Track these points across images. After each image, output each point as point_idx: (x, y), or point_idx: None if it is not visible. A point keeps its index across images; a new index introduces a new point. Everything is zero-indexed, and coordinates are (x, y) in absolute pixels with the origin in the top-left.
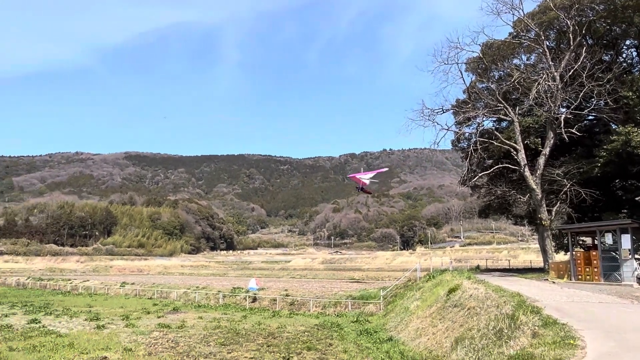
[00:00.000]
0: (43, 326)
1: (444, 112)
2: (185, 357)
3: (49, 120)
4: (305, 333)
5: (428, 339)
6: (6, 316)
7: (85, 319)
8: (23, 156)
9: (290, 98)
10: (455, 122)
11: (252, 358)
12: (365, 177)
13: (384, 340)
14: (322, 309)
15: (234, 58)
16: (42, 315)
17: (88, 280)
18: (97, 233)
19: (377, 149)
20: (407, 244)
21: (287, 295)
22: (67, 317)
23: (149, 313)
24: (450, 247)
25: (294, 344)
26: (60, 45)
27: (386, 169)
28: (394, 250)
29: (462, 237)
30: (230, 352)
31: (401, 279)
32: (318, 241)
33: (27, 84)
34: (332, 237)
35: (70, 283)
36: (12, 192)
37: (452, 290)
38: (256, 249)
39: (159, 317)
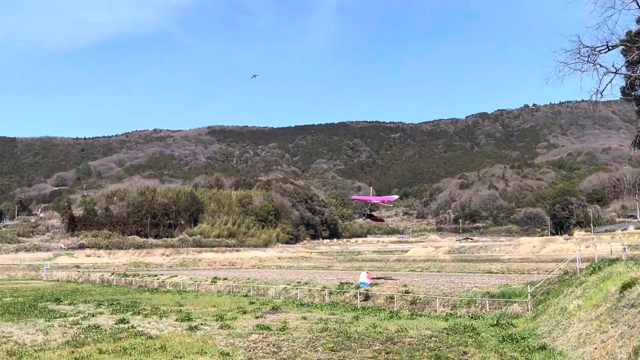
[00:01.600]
0: (132, 327)
1: (609, 50)
2: None
3: (124, 96)
4: (432, 338)
5: (595, 348)
6: (93, 316)
7: (176, 319)
8: (98, 137)
9: (402, 50)
10: (627, 62)
11: None
12: (375, 201)
13: (535, 349)
14: (451, 309)
15: (331, 2)
16: (130, 315)
17: (176, 276)
18: (182, 222)
19: (516, 106)
20: (560, 227)
21: (406, 292)
22: (156, 317)
23: (245, 313)
24: (622, 230)
25: (418, 352)
26: (136, 7)
27: (396, 197)
28: (542, 236)
29: (638, 217)
30: (341, 359)
31: (554, 272)
32: (442, 225)
33: (96, 55)
34: (460, 221)
35: (157, 279)
36: (90, 178)
37: (627, 286)
38: (365, 236)
39: (256, 317)
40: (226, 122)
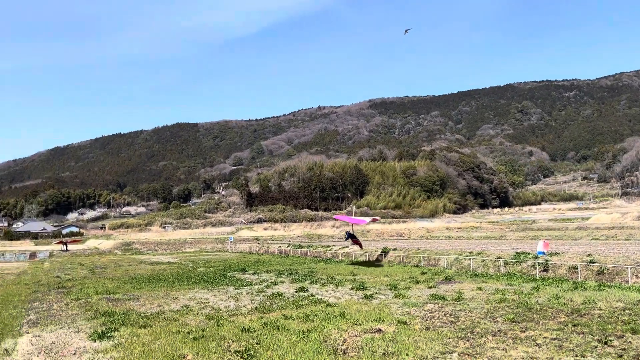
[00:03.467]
0: (311, 295)
1: None
2: (469, 334)
3: (290, 77)
4: (626, 311)
5: None
6: (275, 284)
7: (351, 288)
8: (268, 118)
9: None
10: None
11: (554, 339)
12: (367, 220)
13: None
14: None
15: None
16: (308, 284)
17: (347, 247)
18: (349, 194)
19: None
20: None
21: (591, 261)
22: (332, 285)
23: (417, 282)
24: None
25: (610, 325)
26: None
27: (378, 218)
28: None
29: None
30: (524, 331)
31: None
32: (628, 189)
33: (264, 40)
34: None
35: (330, 250)
36: (263, 157)
37: None
38: (539, 203)
39: (430, 287)
40: (387, 94)
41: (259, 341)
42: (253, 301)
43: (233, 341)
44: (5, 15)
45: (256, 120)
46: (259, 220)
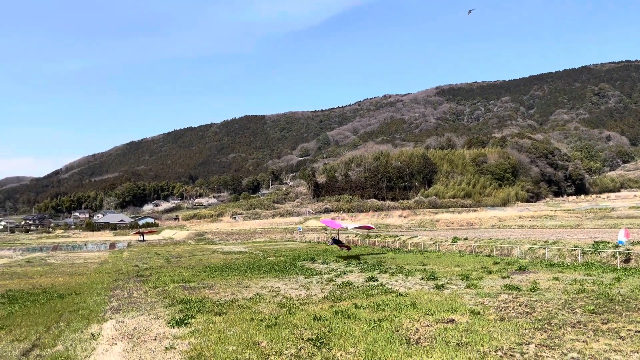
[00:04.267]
0: (381, 284)
1: None
2: (546, 325)
3: (355, 66)
4: None
5: None
6: (344, 273)
7: (422, 278)
8: (334, 108)
9: None
10: None
11: (639, 331)
12: (346, 225)
13: None
14: None
15: None
16: (378, 274)
17: (416, 237)
18: (416, 184)
19: None
20: None
21: None
22: (402, 275)
23: (490, 272)
24: None
25: None
26: None
27: (372, 226)
28: None
29: None
30: (605, 323)
31: None
32: None
33: (327, 30)
34: None
35: (398, 239)
36: (329, 147)
37: None
38: (618, 190)
39: (503, 277)
40: (454, 81)
41: (331, 329)
42: (323, 290)
43: (305, 329)
44: (83, 16)
45: (322, 111)
46: (326, 210)
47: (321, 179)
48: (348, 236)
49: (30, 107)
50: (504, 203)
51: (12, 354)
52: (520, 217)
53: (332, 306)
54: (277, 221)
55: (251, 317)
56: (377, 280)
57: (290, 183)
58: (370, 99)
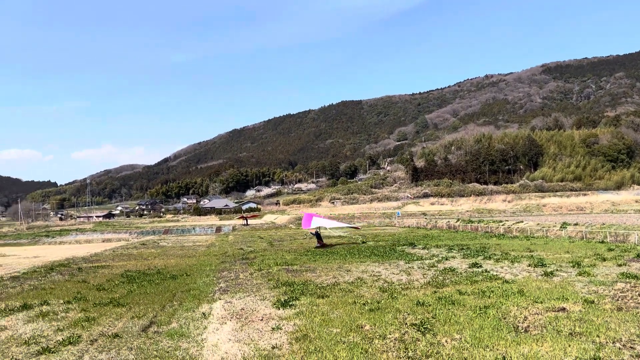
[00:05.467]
0: (485, 271)
1: None
2: None
3: (454, 47)
4: None
5: None
6: (446, 259)
7: (529, 265)
8: (432, 90)
9: None
10: None
11: None
12: (318, 224)
13: None
14: None
15: None
16: (481, 260)
17: (521, 222)
18: (521, 167)
19: None
20: None
21: None
22: (507, 262)
23: (604, 260)
24: None
25: None
26: None
27: (355, 225)
28: None
29: None
30: None
31: None
32: None
33: (422, 11)
34: None
35: (502, 225)
36: (427, 131)
37: None
38: None
39: (619, 265)
40: (562, 57)
41: (435, 315)
42: (425, 275)
43: (408, 314)
44: (183, 12)
45: (419, 93)
46: (425, 195)
47: (419, 163)
48: (449, 221)
49: (141, 99)
50: (618, 186)
51: (133, 330)
52: (636, 201)
53: (435, 292)
54: (375, 206)
55: (353, 301)
56: (481, 266)
57: (388, 168)
58: (471, 79)
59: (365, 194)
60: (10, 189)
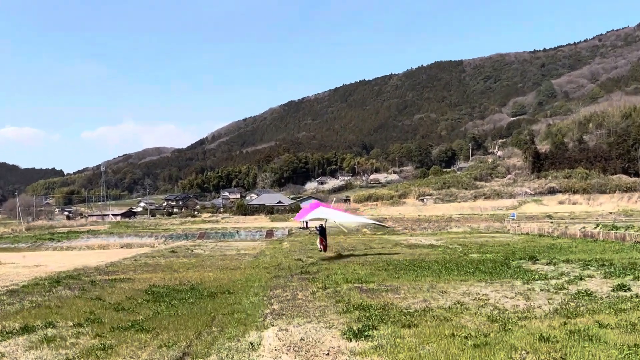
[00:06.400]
0: (636, 295)
1: None
2: None
3: None
4: None
5: None
6: (581, 279)
7: None
8: (561, 46)
9: None
10: None
11: None
12: (311, 216)
13: None
14: None
15: None
16: (630, 280)
17: None
18: None
19: None
20: None
21: None
22: None
23: None
24: None
25: None
26: None
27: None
28: None
29: None
30: None
31: None
32: None
33: None
34: None
35: None
36: (554, 102)
37: None
38: None
39: None
40: None
41: (565, 355)
42: (551, 301)
43: (528, 352)
44: None
45: (544, 50)
46: (551, 191)
47: (543, 146)
48: (584, 226)
49: (171, 62)
50: None
51: None
52: None
53: (565, 323)
54: (480, 205)
55: (451, 333)
56: (629, 289)
57: (499, 153)
58: (617, 30)
59: (466, 189)
60: (5, 178)
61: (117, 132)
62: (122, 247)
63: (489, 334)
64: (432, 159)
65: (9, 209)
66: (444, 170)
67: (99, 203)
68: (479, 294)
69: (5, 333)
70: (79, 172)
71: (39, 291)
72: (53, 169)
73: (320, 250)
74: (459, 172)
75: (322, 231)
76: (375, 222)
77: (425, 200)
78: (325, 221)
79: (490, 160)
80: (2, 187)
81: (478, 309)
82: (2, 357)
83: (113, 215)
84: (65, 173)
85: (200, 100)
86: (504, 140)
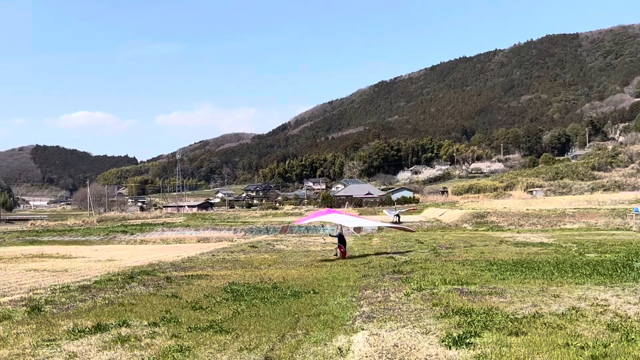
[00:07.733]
0: None
1: None
2: None
3: None
4: None
5: None
6: None
7: None
8: None
9: None
10: None
11: None
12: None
13: None
14: None
15: None
16: None
17: None
18: None
19: None
20: None
21: None
22: None
23: None
24: None
25: None
26: None
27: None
28: None
29: None
30: None
31: None
32: None
33: None
34: None
35: None
36: None
37: None
38: None
39: None
40: None
41: None
42: None
43: None
44: None
45: None
46: None
47: None
48: None
49: (251, 38)
50: None
51: None
52: None
53: None
54: (599, 198)
55: (565, 342)
56: None
57: (621, 138)
58: None
59: (583, 180)
60: (76, 166)
61: (194, 116)
62: (198, 241)
63: (609, 345)
64: (543, 145)
65: (80, 199)
66: (556, 158)
67: (174, 193)
68: (597, 298)
69: (77, 331)
70: (153, 159)
71: (112, 287)
72: (126, 157)
73: (336, 255)
74: (573, 161)
75: (340, 238)
76: (393, 225)
77: (534, 192)
78: (341, 227)
79: (610, 147)
80: (73, 176)
81: (596, 316)
82: (74, 356)
83: (189, 206)
84: (138, 161)
85: (283, 82)
86: (627, 124)
